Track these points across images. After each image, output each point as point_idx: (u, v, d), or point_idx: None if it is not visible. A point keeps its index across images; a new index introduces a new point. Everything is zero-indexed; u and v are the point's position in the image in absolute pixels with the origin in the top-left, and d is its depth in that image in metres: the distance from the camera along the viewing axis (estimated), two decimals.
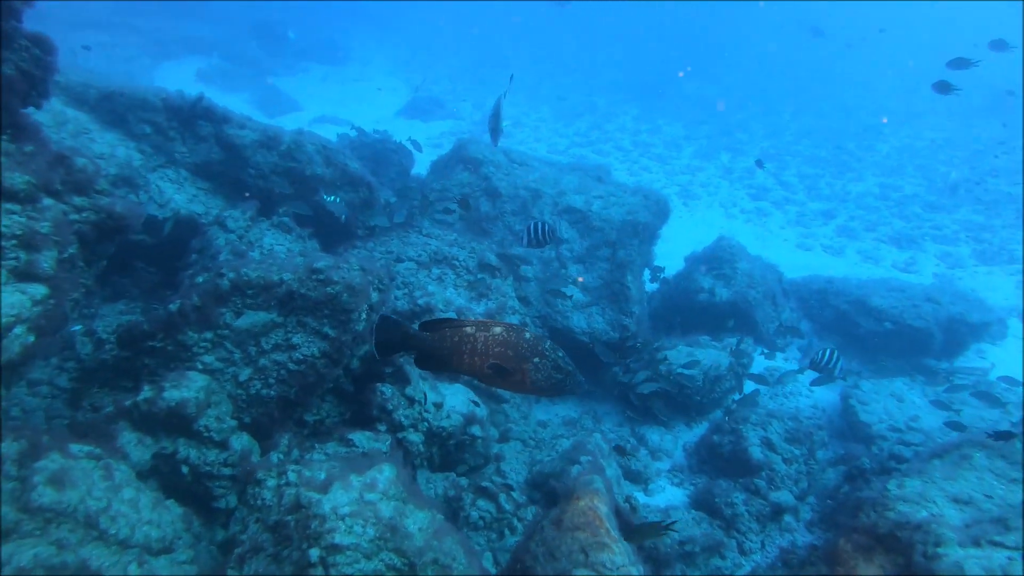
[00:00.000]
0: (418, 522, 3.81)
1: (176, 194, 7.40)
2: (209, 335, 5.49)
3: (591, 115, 26.59)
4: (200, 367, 5.34)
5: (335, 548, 3.46)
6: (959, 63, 10.30)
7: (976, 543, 4.64)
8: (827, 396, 9.94)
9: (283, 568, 3.49)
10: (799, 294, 12.55)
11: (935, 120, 28.15)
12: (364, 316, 6.19)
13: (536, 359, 3.48)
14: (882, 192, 20.11)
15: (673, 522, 3.31)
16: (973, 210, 18.93)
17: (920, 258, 16.26)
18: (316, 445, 5.66)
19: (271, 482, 4.28)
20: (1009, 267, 16.11)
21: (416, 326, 3.66)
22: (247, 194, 8.39)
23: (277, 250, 7.67)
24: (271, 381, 5.67)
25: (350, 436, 5.74)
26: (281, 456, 5.32)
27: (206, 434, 4.87)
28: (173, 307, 5.32)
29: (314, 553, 3.43)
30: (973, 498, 5.25)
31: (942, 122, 27.73)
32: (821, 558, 6.03)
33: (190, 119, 8.01)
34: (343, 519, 3.50)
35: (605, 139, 23.42)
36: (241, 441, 5.12)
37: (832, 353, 7.64)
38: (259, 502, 4.17)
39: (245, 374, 5.53)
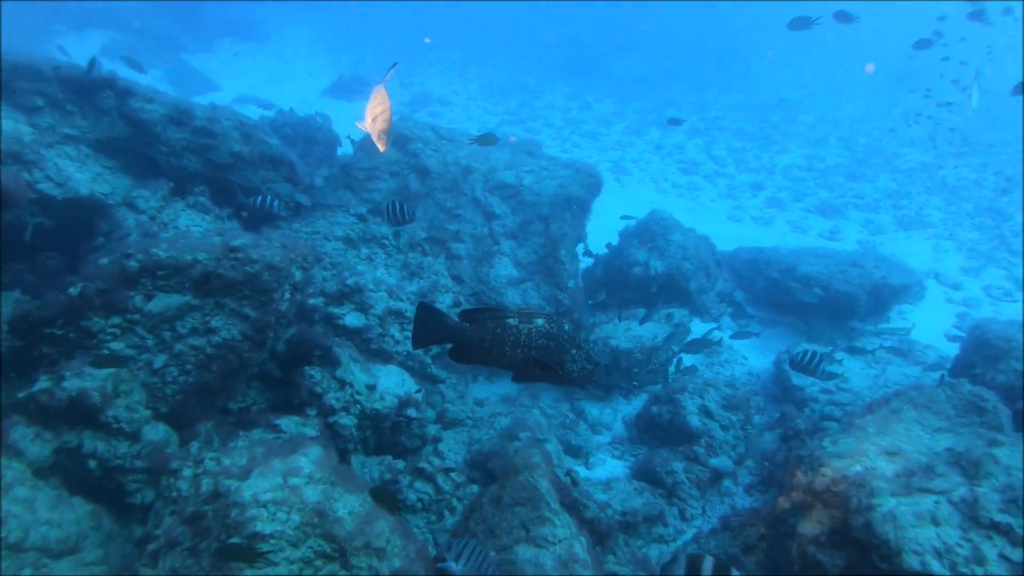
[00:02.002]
0: (348, 506, 3.60)
1: (77, 172, 6.86)
2: (117, 320, 5.10)
3: (521, 93, 26.40)
4: (108, 354, 4.95)
5: (257, 537, 3.23)
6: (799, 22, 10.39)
7: (907, 491, 4.74)
8: (762, 363, 10.12)
9: (202, 562, 3.24)
10: (732, 265, 12.74)
11: (855, 92, 29.08)
12: (287, 295, 5.90)
13: (574, 350, 3.41)
14: (807, 163, 20.68)
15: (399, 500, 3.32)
16: (891, 178, 19.66)
17: (844, 226, 16.79)
18: (241, 433, 5.36)
19: (187, 472, 4.00)
20: (925, 231, 16.81)
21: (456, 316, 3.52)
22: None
23: (194, 231, 7.24)
24: (189, 367, 5.33)
25: (276, 422, 5.47)
26: (201, 446, 5.01)
27: (115, 425, 4.52)
28: (74, 291, 4.91)
29: (234, 543, 3.19)
30: (903, 449, 5.38)
31: (862, 94, 28.66)
32: (761, 519, 6.11)
33: (89, 91, 7.43)
34: (265, 506, 3.28)
35: (535, 117, 23.30)
36: (156, 432, 4.78)
37: (815, 355, 7.42)
38: (174, 494, 3.89)
39: (160, 361, 5.18)
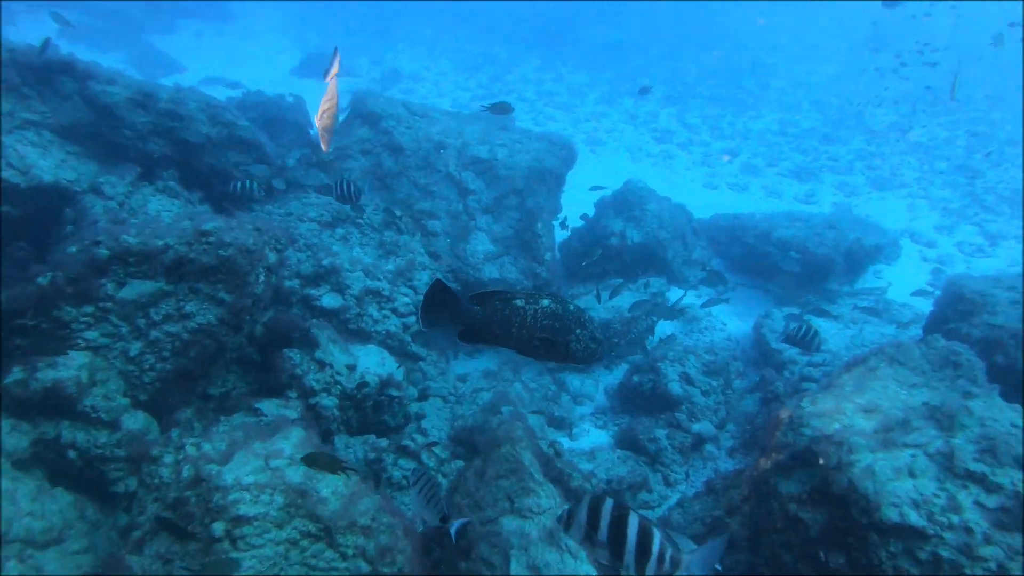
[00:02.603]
0: (332, 485, 3.61)
1: (41, 159, 6.69)
2: (90, 309, 5.02)
3: (493, 67, 26.12)
4: (82, 344, 4.88)
5: (241, 520, 3.23)
6: None
7: (885, 447, 4.84)
8: (741, 327, 10.22)
9: (187, 547, 3.23)
10: (708, 232, 12.80)
11: (827, 55, 29.12)
12: (262, 278, 5.85)
13: (578, 330, 3.42)
14: (781, 128, 20.75)
15: (344, 462, 3.26)
16: (865, 140, 19.78)
17: (819, 189, 16.91)
18: (222, 418, 5.33)
19: (168, 458, 3.97)
20: (900, 191, 16.99)
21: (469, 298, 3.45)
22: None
23: (164, 217, 7.12)
24: (166, 354, 5.28)
25: (258, 405, 5.44)
26: (182, 432, 4.97)
27: (94, 415, 4.47)
28: (43, 280, 4.82)
29: (218, 527, 3.19)
30: (880, 406, 5.48)
31: (834, 56, 28.69)
32: (744, 480, 6.21)
33: (46, 75, 7.23)
34: (248, 489, 3.27)
35: (508, 90, 23.08)
36: (136, 420, 4.74)
37: (809, 329, 7.41)
38: (156, 480, 3.86)
39: (135, 348, 5.12)
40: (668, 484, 7.17)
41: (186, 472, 3.49)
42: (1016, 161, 18.73)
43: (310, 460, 3.53)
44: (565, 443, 7.71)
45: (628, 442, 7.60)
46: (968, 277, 7.92)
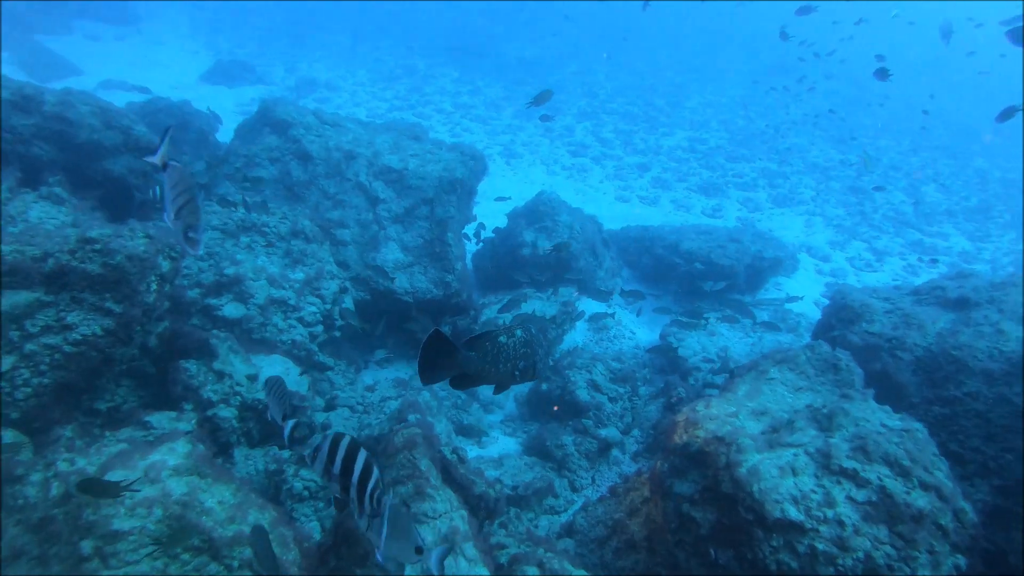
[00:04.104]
0: (218, 496, 3.51)
1: None
2: None
3: (410, 78, 26.04)
4: None
5: (114, 536, 3.09)
6: None
7: (771, 447, 5.08)
8: (649, 336, 10.51)
9: (50, 569, 3.06)
10: (619, 243, 13.14)
11: (736, 78, 30.44)
12: (154, 287, 5.63)
13: (540, 350, 3.46)
14: (690, 145, 21.52)
15: (133, 482, 3.25)
16: (769, 159, 20.77)
17: (725, 204, 17.62)
18: (107, 434, 5.07)
19: (36, 477, 3.74)
20: (799, 208, 17.91)
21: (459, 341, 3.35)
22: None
23: (47, 224, 6.75)
24: (43, 368, 4.99)
25: (147, 419, 5.21)
26: (62, 450, 4.71)
27: None
28: None
29: (87, 545, 3.04)
30: (769, 408, 5.75)
31: (741, 80, 30.03)
32: (644, 483, 6.39)
33: None
34: (122, 503, 3.13)
35: (425, 102, 23.06)
36: (4, 439, 4.46)
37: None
38: (20, 501, 3.63)
39: (7, 363, 4.82)
40: (574, 489, 7.29)
41: (55, 490, 3.32)
42: (898, 184, 20.10)
43: (84, 487, 3.28)
44: (474, 451, 7.73)
45: (536, 449, 7.68)
46: (851, 287, 8.41)
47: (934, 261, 15.59)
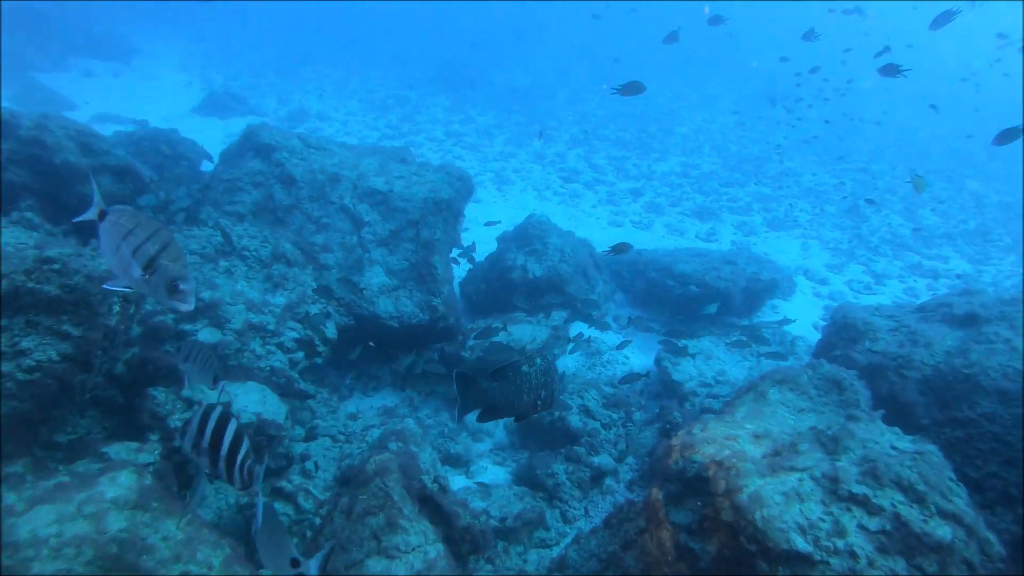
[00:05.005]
0: (163, 532, 3.15)
1: None
2: None
3: (402, 107, 26.03)
4: None
5: None
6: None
7: (773, 471, 4.73)
8: (644, 361, 10.18)
9: None
10: (612, 267, 12.88)
11: (727, 105, 30.55)
12: (116, 309, 5.32)
13: (556, 378, 3.50)
14: (683, 170, 21.41)
15: None
16: (761, 183, 20.64)
17: (720, 228, 17.41)
18: (60, 468, 4.72)
19: None
20: (794, 231, 17.70)
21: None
22: None
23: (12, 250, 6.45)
24: None
25: (105, 450, 4.85)
26: (8, 488, 4.35)
27: None
28: None
29: None
30: (770, 431, 5.41)
31: (733, 107, 30.14)
32: (639, 512, 6.01)
33: None
34: (45, 542, 2.78)
35: (417, 131, 22.98)
36: None
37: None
38: None
39: None
40: (566, 520, 6.89)
41: None
42: (895, 207, 19.96)
43: None
44: (461, 481, 7.35)
45: (526, 478, 7.30)
46: (853, 306, 8.13)
47: (936, 278, 15.38)
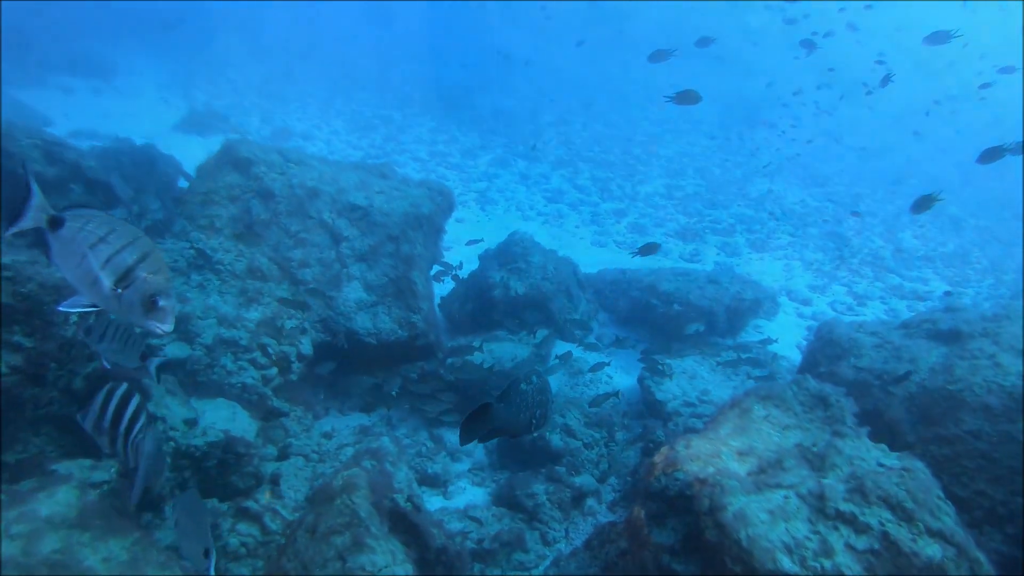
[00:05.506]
0: (103, 552, 2.92)
1: None
2: None
3: (386, 127, 25.97)
4: None
5: None
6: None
7: (758, 489, 4.57)
8: (626, 380, 10.03)
9: None
10: (595, 286, 12.78)
11: (709, 128, 30.81)
12: (73, 319, 5.08)
13: (550, 395, 3.51)
14: (667, 192, 21.45)
15: None
16: (744, 205, 20.72)
17: (703, 249, 17.40)
18: (3, 488, 4.45)
19: None
20: (777, 252, 17.72)
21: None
22: None
23: None
24: None
25: (54, 468, 4.59)
26: None
27: None
28: None
29: None
30: (754, 448, 5.25)
31: (714, 130, 30.39)
32: (620, 533, 5.80)
33: None
34: None
35: (401, 150, 22.91)
36: None
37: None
38: None
39: None
40: (546, 542, 6.66)
41: None
42: (876, 230, 20.11)
43: None
44: (439, 502, 7.12)
45: (505, 499, 7.08)
46: (837, 322, 8.04)
47: (918, 300, 15.42)
